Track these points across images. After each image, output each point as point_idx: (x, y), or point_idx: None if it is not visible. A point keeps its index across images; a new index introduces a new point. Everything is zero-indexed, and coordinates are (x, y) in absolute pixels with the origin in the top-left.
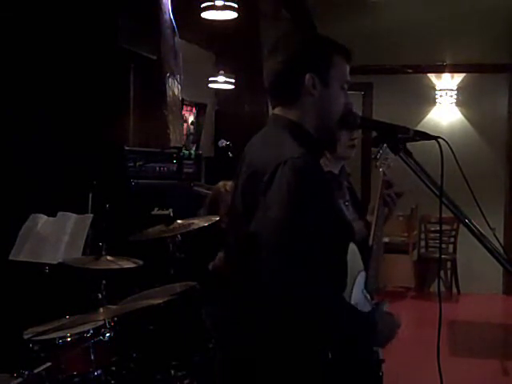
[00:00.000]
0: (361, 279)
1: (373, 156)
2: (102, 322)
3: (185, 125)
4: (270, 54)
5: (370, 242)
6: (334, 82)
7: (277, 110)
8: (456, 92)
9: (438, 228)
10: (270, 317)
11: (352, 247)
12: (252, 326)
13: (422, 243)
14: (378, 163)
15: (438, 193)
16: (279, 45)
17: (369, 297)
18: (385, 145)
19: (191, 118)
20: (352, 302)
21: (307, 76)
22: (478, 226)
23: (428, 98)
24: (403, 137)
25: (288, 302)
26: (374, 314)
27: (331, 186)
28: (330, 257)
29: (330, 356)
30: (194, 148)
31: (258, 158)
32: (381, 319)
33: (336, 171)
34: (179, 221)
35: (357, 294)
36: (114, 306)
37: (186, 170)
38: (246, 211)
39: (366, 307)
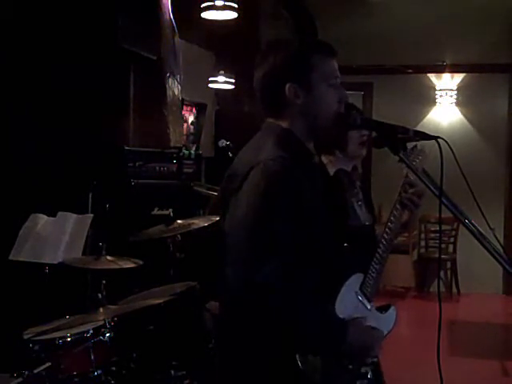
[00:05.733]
0: (355, 281)
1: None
2: (102, 322)
3: (185, 125)
4: (255, 68)
5: (378, 244)
6: (317, 84)
7: (269, 120)
8: (456, 92)
9: (438, 228)
10: (244, 317)
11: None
12: (236, 326)
13: (422, 243)
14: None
15: (437, 193)
16: (260, 59)
17: (365, 300)
18: (417, 146)
19: (191, 118)
20: (337, 305)
21: (287, 87)
22: (478, 226)
23: (428, 98)
24: (403, 137)
25: (250, 302)
26: (348, 323)
27: (313, 187)
28: (305, 256)
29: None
30: (193, 148)
31: (237, 162)
32: (355, 331)
33: (349, 169)
34: (179, 221)
35: (346, 296)
36: (114, 306)
37: (185, 170)
38: (223, 212)
39: (357, 310)
